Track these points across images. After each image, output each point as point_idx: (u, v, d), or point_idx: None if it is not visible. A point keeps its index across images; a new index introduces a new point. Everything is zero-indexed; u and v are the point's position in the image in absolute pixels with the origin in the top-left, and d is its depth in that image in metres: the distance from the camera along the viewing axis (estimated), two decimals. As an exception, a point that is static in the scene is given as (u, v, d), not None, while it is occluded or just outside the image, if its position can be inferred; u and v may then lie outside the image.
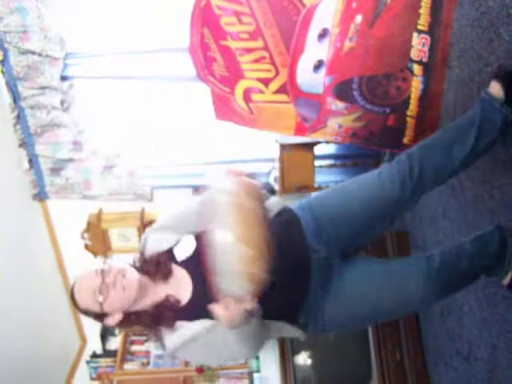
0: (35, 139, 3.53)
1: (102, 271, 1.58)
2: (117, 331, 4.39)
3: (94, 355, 4.34)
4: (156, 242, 1.71)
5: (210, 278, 1.43)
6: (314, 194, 1.91)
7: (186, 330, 1.59)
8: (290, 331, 1.71)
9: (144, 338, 4.36)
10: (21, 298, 3.60)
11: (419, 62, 2.27)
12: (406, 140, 2.47)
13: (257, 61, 2.49)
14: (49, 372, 3.97)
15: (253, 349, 1.62)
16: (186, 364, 4.08)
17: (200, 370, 3.90)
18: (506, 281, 1.85)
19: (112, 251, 3.96)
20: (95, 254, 3.89)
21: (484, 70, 2.11)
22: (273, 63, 2.48)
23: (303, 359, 3.26)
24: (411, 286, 1.75)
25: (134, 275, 1.61)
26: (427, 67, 2.28)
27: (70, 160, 3.61)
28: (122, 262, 1.68)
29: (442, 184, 1.93)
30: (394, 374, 3.10)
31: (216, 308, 1.45)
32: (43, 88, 3.31)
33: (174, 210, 1.79)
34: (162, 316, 1.62)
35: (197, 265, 1.60)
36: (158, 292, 1.65)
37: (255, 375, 3.58)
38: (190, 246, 1.68)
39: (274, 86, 2.54)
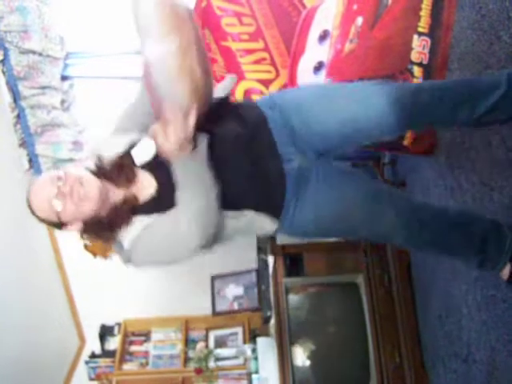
0: (35, 139, 3.53)
1: (58, 179, 1.50)
2: (115, 331, 4.39)
3: (93, 355, 4.35)
4: (112, 147, 1.64)
5: (152, 95, 1.38)
6: (287, 92, 1.81)
7: (141, 222, 1.56)
8: (259, 223, 1.65)
9: (143, 338, 4.38)
10: (19, 297, 3.60)
11: (419, 64, 2.27)
12: (406, 142, 2.47)
13: (257, 62, 2.49)
14: (47, 372, 3.97)
15: (205, 230, 1.50)
16: (185, 365, 4.09)
17: (199, 370, 3.90)
18: (505, 275, 1.84)
19: (111, 251, 3.96)
20: (94, 254, 3.88)
21: (484, 72, 2.11)
22: (273, 64, 2.48)
23: (302, 360, 3.26)
24: (386, 219, 1.74)
25: (92, 183, 1.53)
26: (427, 69, 2.28)
27: (70, 160, 3.61)
28: (79, 168, 1.59)
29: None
30: (392, 376, 3.10)
31: (156, 127, 1.39)
32: (43, 88, 3.32)
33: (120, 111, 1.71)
34: (120, 214, 1.56)
35: (159, 166, 1.56)
36: (133, 189, 1.60)
37: (254, 376, 3.57)
38: (149, 148, 1.61)
39: (274, 87, 2.55)
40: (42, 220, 1.57)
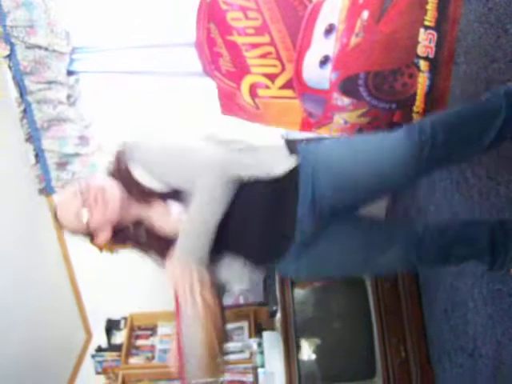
0: (42, 134, 3.53)
1: (81, 191, 1.57)
2: (122, 325, 4.41)
3: (100, 349, 4.36)
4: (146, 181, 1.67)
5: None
6: (324, 147, 1.77)
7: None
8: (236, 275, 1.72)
9: (149, 332, 4.39)
10: (26, 291, 3.62)
11: (426, 58, 2.26)
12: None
13: (263, 56, 2.48)
14: (54, 366, 3.99)
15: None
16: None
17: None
18: None
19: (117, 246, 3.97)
20: (100, 248, 3.89)
21: (491, 66, 2.10)
22: (279, 58, 2.48)
23: (307, 354, 3.27)
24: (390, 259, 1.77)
25: (114, 189, 1.61)
26: (434, 63, 2.27)
27: (76, 155, 3.61)
28: (100, 178, 1.66)
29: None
30: (398, 371, 3.10)
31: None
32: (50, 82, 3.32)
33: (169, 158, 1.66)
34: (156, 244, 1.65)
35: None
36: (148, 211, 1.66)
37: (260, 370, 3.58)
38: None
39: (280, 81, 2.54)
40: (73, 232, 1.64)
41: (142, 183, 1.64)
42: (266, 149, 1.73)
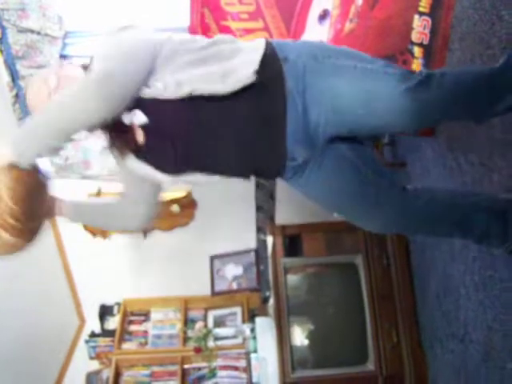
0: (34, 119, 3.52)
1: (48, 79, 1.59)
2: (115, 311, 4.42)
3: (93, 334, 4.37)
4: None
5: None
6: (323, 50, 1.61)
7: None
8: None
9: (142, 318, 4.40)
10: (20, 277, 3.61)
11: (420, 45, 2.26)
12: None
13: (257, 41, 2.48)
14: (48, 351, 4.00)
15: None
16: (184, 344, 4.12)
17: (198, 349, 3.93)
18: None
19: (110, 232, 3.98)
20: (94, 234, 3.90)
21: (485, 53, 2.10)
22: (273, 44, 2.47)
23: (300, 340, 3.29)
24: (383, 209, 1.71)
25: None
26: (428, 49, 2.27)
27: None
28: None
29: None
30: (390, 355, 3.13)
31: None
32: (42, 67, 3.30)
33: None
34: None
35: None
36: None
37: (252, 355, 3.60)
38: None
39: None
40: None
41: None
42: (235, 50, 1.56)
